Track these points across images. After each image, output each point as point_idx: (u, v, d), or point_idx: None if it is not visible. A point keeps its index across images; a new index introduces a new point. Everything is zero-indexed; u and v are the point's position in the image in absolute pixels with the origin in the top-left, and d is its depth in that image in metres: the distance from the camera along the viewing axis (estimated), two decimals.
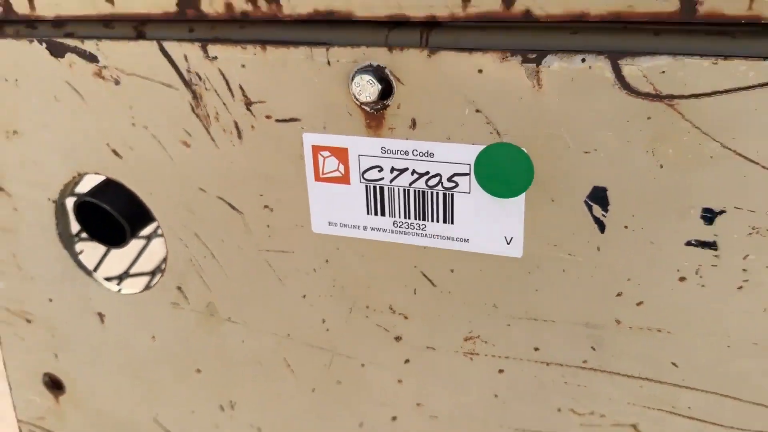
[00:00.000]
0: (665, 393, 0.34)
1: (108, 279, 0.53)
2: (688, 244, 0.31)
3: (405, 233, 0.36)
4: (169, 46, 0.36)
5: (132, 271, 0.70)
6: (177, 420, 0.49)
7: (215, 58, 0.36)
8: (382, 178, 0.35)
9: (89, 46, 0.38)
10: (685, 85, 0.28)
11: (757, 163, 0.28)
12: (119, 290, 0.46)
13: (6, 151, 0.44)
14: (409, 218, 0.35)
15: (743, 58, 0.27)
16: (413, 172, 0.34)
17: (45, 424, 0.54)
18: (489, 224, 0.34)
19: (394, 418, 0.41)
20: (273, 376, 0.43)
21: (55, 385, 0.52)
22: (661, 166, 0.30)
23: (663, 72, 0.28)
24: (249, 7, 0.34)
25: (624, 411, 0.36)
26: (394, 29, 0.33)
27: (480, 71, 0.31)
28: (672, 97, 0.28)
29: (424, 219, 0.35)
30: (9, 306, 0.50)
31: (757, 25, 0.27)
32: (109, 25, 0.39)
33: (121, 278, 0.70)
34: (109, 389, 0.50)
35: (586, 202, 0.32)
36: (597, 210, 0.32)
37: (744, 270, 0.30)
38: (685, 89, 0.28)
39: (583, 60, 0.29)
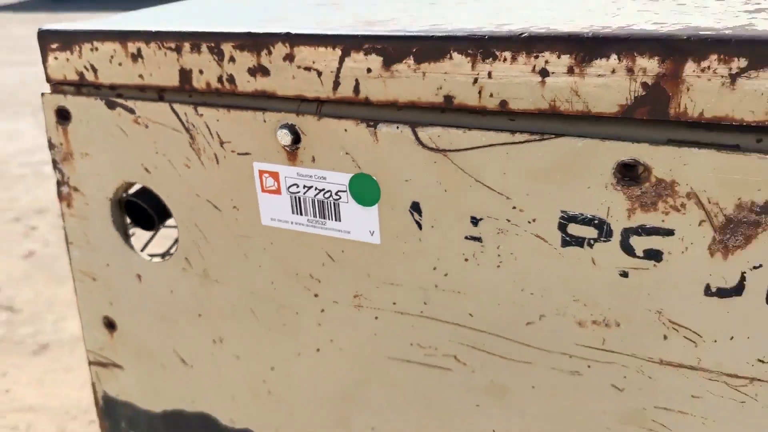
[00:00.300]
0: (469, 334, 0.54)
1: (144, 252, 0.76)
2: (467, 238, 0.50)
3: (314, 227, 0.57)
4: (176, 106, 0.59)
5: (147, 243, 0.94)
6: (187, 350, 0.71)
7: (202, 114, 0.58)
8: (299, 191, 0.56)
9: (130, 103, 0.61)
10: (451, 143, 0.48)
11: (493, 190, 0.48)
12: (150, 259, 0.69)
13: (81, 166, 0.68)
14: (316, 217, 0.56)
15: (479, 129, 0.47)
16: (315, 188, 0.55)
17: (103, 353, 0.78)
18: (360, 222, 0.55)
19: (318, 350, 0.63)
20: (244, 321, 0.65)
21: (110, 324, 0.76)
22: (445, 190, 0.50)
23: (439, 136, 0.48)
24: (219, 86, 0.56)
25: (448, 346, 0.55)
26: (302, 103, 0.54)
27: (345, 130, 0.52)
28: (445, 150, 0.48)
29: (324, 218, 0.56)
30: (81, 269, 0.74)
31: (486, 112, 0.46)
32: (143, 91, 0.62)
33: (152, 252, 0.94)
34: (144, 328, 0.73)
35: (409, 210, 0.52)
36: (416, 216, 0.52)
37: (498, 255, 0.50)
38: (451, 146, 0.48)
39: (398, 127, 0.49)
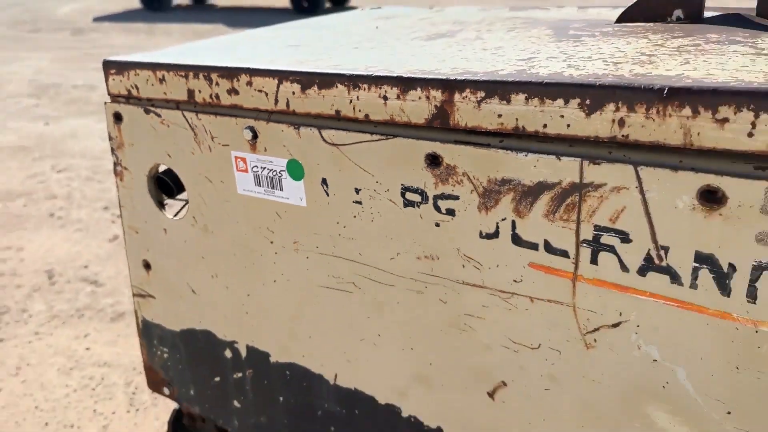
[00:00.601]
0: (360, 267, 0.81)
1: (168, 213, 1.07)
2: (353, 202, 0.78)
3: (268, 195, 0.86)
4: (185, 113, 0.89)
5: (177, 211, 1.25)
6: (195, 283, 1.02)
7: (201, 119, 0.88)
8: (258, 171, 0.85)
9: (158, 110, 0.92)
10: (341, 140, 0.76)
11: (366, 171, 0.75)
12: (172, 218, 1.00)
13: (129, 152, 0.99)
14: (269, 188, 0.85)
15: (356, 132, 0.74)
16: (267, 169, 0.84)
17: (142, 287, 1.10)
18: (294, 191, 0.83)
19: (274, 281, 0.91)
20: (229, 261, 0.95)
21: (147, 265, 1.07)
22: (339, 170, 0.78)
23: (334, 135, 0.76)
24: (210, 100, 0.86)
25: (349, 276, 0.83)
26: (258, 113, 0.83)
27: (282, 131, 0.80)
28: (338, 144, 0.76)
29: (273, 188, 0.85)
30: (128, 224, 1.06)
31: (358, 121, 0.74)
32: (167, 102, 0.93)
33: (173, 213, 1.25)
34: (168, 268, 1.04)
35: (321, 184, 0.80)
36: (325, 187, 0.80)
37: (371, 213, 0.77)
38: (341, 142, 0.76)
39: (311, 129, 0.78)
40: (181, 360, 1.10)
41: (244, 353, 1.00)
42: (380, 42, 0.93)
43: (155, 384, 1.17)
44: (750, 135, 0.52)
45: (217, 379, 1.06)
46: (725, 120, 0.52)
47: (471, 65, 0.71)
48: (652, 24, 0.89)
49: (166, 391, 1.16)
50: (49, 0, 12.21)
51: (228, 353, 1.02)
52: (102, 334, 1.97)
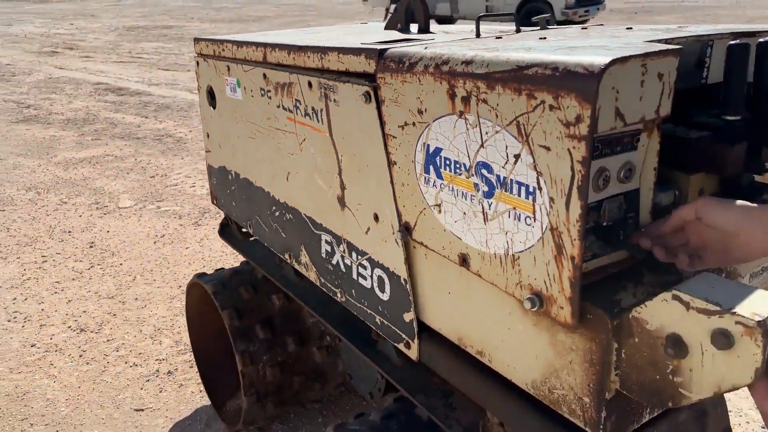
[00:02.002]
0: (273, 124, 1.91)
1: (215, 110, 2.24)
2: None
3: (231, 95, 1.99)
4: (213, 60, 2.06)
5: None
6: (223, 143, 2.18)
7: (217, 63, 2.04)
8: (229, 84, 1.99)
9: (207, 60, 2.10)
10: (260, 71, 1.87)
11: (272, 87, 1.85)
12: (214, 109, 2.18)
13: (200, 76, 2.19)
14: (232, 92, 1.99)
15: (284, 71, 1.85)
16: (231, 84, 1.97)
17: (206, 146, 2.30)
18: (239, 93, 1.95)
19: (244, 136, 2.05)
20: (233, 131, 2.10)
21: (207, 135, 2.27)
22: (253, 82, 1.88)
23: (259, 69, 1.87)
24: (219, 53, 2.02)
25: (271, 131, 1.93)
26: (235, 60, 1.97)
27: (238, 67, 1.93)
28: (250, 67, 1.87)
29: (233, 92, 1.98)
30: (200, 114, 2.26)
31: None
32: (211, 56, 2.11)
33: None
34: (215, 136, 2.22)
35: (245, 88, 1.91)
36: (246, 90, 1.91)
37: (256, 106, 1.87)
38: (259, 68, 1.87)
39: (246, 66, 1.89)
40: (219, 184, 2.28)
41: (234, 176, 2.14)
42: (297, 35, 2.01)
43: (213, 199, 2.38)
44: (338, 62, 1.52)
45: (228, 191, 2.22)
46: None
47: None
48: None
49: (215, 202, 2.36)
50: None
51: (230, 177, 2.17)
52: None
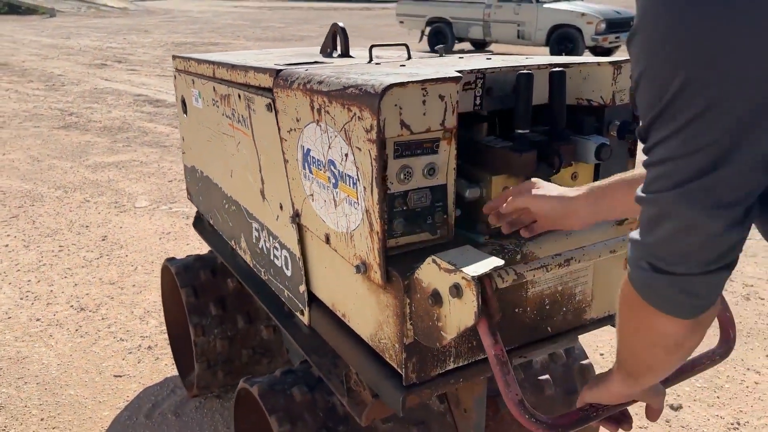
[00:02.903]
0: (220, 128, 2.27)
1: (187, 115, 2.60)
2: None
3: (195, 104, 2.35)
4: (184, 74, 2.43)
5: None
6: (192, 144, 2.55)
7: (186, 76, 2.41)
8: (194, 94, 2.35)
9: (180, 74, 2.48)
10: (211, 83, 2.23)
11: (218, 99, 2.21)
12: (186, 116, 2.55)
13: (176, 87, 2.57)
14: (196, 102, 2.35)
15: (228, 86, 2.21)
16: (195, 94, 2.34)
17: (183, 148, 2.67)
18: (199, 101, 2.32)
19: (204, 140, 2.40)
20: (198, 134, 2.46)
21: (183, 138, 2.64)
22: (209, 95, 2.24)
23: (210, 83, 2.23)
24: (186, 69, 2.39)
25: (219, 136, 2.29)
26: (197, 75, 2.34)
27: (196, 80, 2.30)
28: (202, 81, 2.23)
29: (197, 102, 2.34)
30: (178, 120, 2.64)
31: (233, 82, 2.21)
32: (183, 71, 2.48)
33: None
34: (188, 139, 2.59)
35: (205, 99, 2.27)
36: (202, 100, 2.27)
37: (207, 115, 2.23)
38: (210, 82, 2.23)
39: (203, 80, 2.26)
40: (191, 182, 2.64)
41: (200, 174, 2.50)
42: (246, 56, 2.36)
43: (188, 195, 2.74)
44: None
45: (197, 187, 2.57)
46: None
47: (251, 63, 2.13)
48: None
49: (190, 198, 2.72)
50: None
51: (197, 174, 2.53)
52: None
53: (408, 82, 1.22)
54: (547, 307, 1.50)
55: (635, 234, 0.84)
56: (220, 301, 2.44)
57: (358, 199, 1.34)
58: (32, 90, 10.40)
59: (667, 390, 1.24)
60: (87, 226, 4.63)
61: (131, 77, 11.65)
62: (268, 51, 2.52)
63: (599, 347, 3.00)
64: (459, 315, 1.17)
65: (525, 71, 1.36)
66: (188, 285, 2.42)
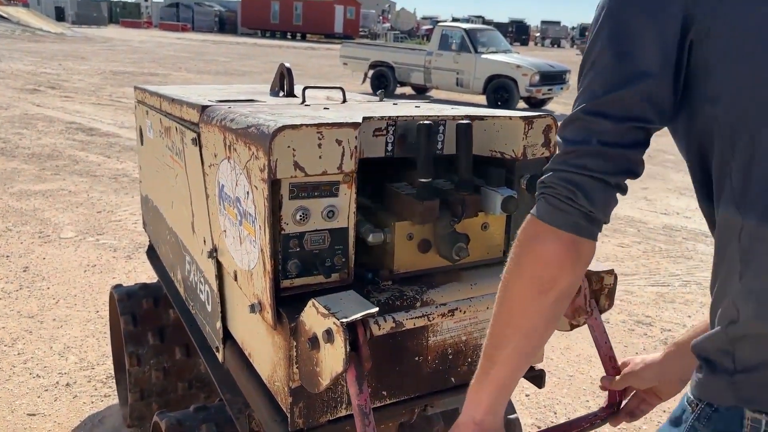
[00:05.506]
0: (163, 160, 2.28)
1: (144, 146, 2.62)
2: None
3: (148, 134, 2.38)
4: (144, 107, 2.46)
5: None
6: (145, 175, 2.56)
7: (144, 109, 2.44)
8: (147, 126, 2.38)
9: (140, 105, 2.51)
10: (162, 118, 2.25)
11: (164, 131, 2.23)
12: (142, 145, 2.57)
13: (137, 118, 2.60)
14: (147, 133, 2.37)
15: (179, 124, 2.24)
16: (149, 125, 2.36)
17: (140, 176, 2.69)
18: (151, 132, 2.34)
19: (153, 170, 2.42)
20: (151, 164, 2.48)
21: (140, 168, 2.66)
22: (158, 127, 2.27)
23: (161, 117, 2.26)
24: (144, 101, 2.42)
25: (163, 167, 2.30)
26: (152, 108, 2.37)
27: (149, 112, 2.32)
28: (158, 115, 2.26)
29: (150, 132, 2.36)
30: (136, 148, 2.66)
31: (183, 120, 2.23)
32: (142, 103, 2.51)
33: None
34: (144, 168, 2.60)
35: (156, 131, 2.30)
36: (153, 132, 2.29)
37: (154, 146, 2.25)
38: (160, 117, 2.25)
39: (155, 113, 2.29)
40: (145, 211, 2.65)
41: (152, 203, 2.51)
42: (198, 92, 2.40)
43: (144, 225, 2.74)
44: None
45: (149, 216, 2.58)
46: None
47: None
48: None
49: (144, 228, 2.72)
50: None
51: (150, 204, 2.54)
52: None
53: (301, 125, 1.23)
54: (450, 357, 1.48)
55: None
56: (159, 331, 2.42)
57: (255, 237, 1.34)
58: None
59: None
60: (8, 256, 4.47)
61: (65, 104, 11.05)
62: (226, 86, 2.56)
63: (525, 388, 2.93)
64: (331, 361, 1.15)
65: (426, 122, 1.37)
66: (128, 313, 2.41)
